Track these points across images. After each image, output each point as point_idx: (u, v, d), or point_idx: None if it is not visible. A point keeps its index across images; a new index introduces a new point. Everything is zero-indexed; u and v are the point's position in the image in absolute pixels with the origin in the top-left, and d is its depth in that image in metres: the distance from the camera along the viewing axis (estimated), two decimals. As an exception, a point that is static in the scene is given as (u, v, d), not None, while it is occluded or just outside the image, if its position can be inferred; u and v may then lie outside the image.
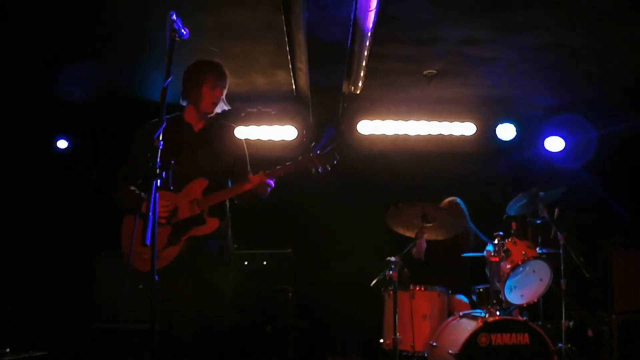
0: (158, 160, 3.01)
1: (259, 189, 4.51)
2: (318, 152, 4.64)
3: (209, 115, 4.63)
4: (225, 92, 4.66)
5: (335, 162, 4.66)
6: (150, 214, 2.79)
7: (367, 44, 5.70)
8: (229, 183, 4.71)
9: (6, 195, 7.55)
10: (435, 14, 5.52)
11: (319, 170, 4.64)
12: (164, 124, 3.08)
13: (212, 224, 4.46)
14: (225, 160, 4.67)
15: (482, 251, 5.98)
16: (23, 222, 7.64)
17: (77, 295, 7.29)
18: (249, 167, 4.80)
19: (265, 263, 7.21)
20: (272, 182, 4.54)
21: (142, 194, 4.44)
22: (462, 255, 6.50)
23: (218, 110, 4.66)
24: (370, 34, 5.45)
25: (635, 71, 6.86)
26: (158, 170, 2.95)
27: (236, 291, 6.96)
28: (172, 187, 3.29)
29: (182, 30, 3.38)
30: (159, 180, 2.96)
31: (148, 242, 2.89)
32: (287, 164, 4.62)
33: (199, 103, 4.56)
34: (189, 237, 4.42)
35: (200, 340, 4.39)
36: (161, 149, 3.70)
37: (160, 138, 3.05)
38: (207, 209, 4.46)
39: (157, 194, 2.88)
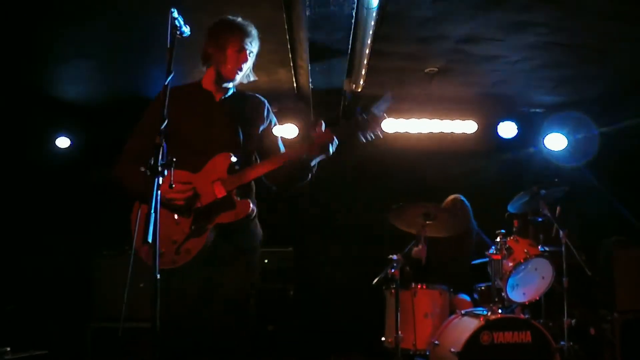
0: (160, 157, 2.86)
1: (316, 150, 3.69)
2: (375, 111, 3.79)
3: (232, 85, 3.95)
4: (253, 59, 3.99)
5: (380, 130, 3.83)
6: (152, 212, 2.69)
7: (369, 41, 5.69)
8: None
9: (7, 193, 7.54)
10: (437, 12, 5.51)
11: (368, 135, 3.83)
12: (167, 121, 3.00)
13: (243, 207, 3.67)
14: (252, 134, 3.90)
15: (484, 251, 5.98)
16: (23, 221, 7.64)
17: (78, 294, 7.29)
18: (281, 145, 4.05)
19: (266, 261, 7.20)
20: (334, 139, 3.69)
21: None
22: (466, 256, 6.52)
23: (244, 80, 4.01)
24: (372, 31, 5.44)
25: (636, 69, 6.84)
26: (160, 168, 2.83)
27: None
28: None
29: (184, 28, 3.34)
30: (160, 178, 2.83)
31: (150, 239, 2.67)
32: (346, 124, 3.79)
33: (220, 67, 3.83)
34: (216, 224, 3.64)
35: (212, 349, 3.71)
36: (175, 121, 3.38)
37: (163, 136, 2.93)
38: (236, 189, 3.68)
39: (159, 192, 2.78)
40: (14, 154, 7.70)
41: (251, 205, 3.70)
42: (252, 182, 3.91)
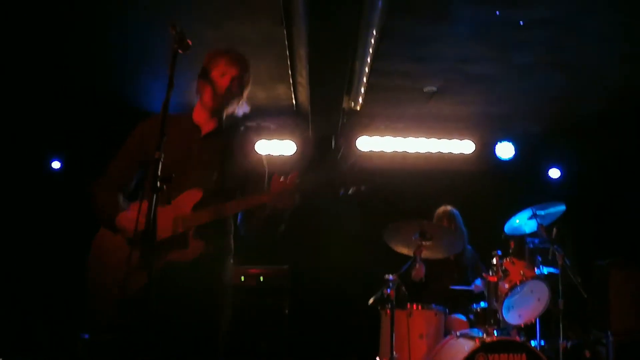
0: (158, 173, 2.82)
1: (278, 203, 3.47)
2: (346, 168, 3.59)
3: (223, 116, 3.73)
4: (241, 87, 3.70)
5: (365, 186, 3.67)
6: (147, 231, 2.64)
7: (368, 60, 5.70)
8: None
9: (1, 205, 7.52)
10: (436, 32, 5.53)
11: (349, 191, 3.62)
12: (164, 137, 2.96)
13: (194, 250, 3.41)
14: (233, 173, 3.66)
15: (479, 271, 5.97)
16: (16, 234, 7.59)
17: (70, 305, 7.24)
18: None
19: (261, 279, 7.16)
20: (291, 194, 3.47)
21: (126, 203, 3.61)
22: (463, 275, 6.51)
23: (238, 112, 3.77)
24: (372, 50, 5.45)
25: (633, 90, 6.86)
26: (159, 184, 2.78)
27: (232, 307, 6.98)
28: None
29: (185, 42, 3.32)
30: (155, 196, 2.77)
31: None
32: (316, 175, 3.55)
33: (203, 95, 3.64)
34: (166, 261, 3.35)
35: None
36: (163, 155, 3.12)
37: (162, 151, 2.90)
38: (194, 228, 3.42)
39: (156, 210, 2.75)
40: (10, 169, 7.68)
41: (204, 247, 3.42)
42: (231, 223, 3.72)
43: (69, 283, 7.28)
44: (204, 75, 3.63)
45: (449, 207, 6.95)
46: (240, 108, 3.78)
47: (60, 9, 5.21)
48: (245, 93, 3.77)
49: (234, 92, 3.66)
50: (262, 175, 3.80)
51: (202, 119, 3.71)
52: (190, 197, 3.46)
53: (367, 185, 3.67)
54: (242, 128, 3.85)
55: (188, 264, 3.39)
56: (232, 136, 3.77)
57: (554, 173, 8.53)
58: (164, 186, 2.78)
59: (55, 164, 8.19)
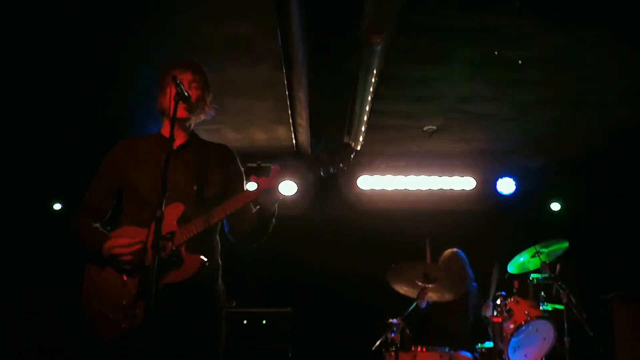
0: (160, 231, 2.78)
1: (263, 200, 3.42)
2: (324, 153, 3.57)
3: (192, 125, 3.66)
4: (201, 89, 3.57)
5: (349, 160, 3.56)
6: (149, 289, 2.61)
7: (368, 101, 5.72)
8: None
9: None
10: (435, 72, 5.55)
11: (331, 170, 3.55)
12: (167, 193, 2.93)
13: (192, 264, 3.27)
14: (212, 183, 3.55)
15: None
16: (16, 270, 7.59)
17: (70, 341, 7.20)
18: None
19: (264, 322, 7.11)
20: (278, 186, 3.45)
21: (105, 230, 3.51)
22: (466, 314, 6.47)
23: (208, 116, 3.70)
24: (371, 92, 5.47)
25: (633, 125, 6.88)
26: (161, 243, 2.72)
27: (235, 351, 6.93)
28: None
29: (185, 93, 3.31)
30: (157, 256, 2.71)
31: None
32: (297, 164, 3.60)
33: (161, 107, 3.55)
34: (164, 284, 3.13)
35: None
36: (129, 174, 3.37)
37: (163, 209, 2.85)
38: (185, 243, 3.28)
39: (156, 268, 2.69)
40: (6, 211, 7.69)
41: (202, 260, 3.28)
42: (217, 239, 3.60)
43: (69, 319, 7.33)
44: (163, 89, 3.50)
45: (455, 250, 6.93)
46: (207, 113, 3.68)
47: (67, 52, 5.24)
48: (208, 97, 3.64)
49: (196, 97, 3.54)
50: (240, 177, 3.71)
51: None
52: (172, 212, 3.28)
53: (345, 163, 3.53)
54: (215, 143, 3.78)
55: (187, 281, 3.25)
56: (207, 148, 3.69)
57: (555, 206, 8.51)
58: (165, 246, 2.75)
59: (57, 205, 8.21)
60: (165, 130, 3.56)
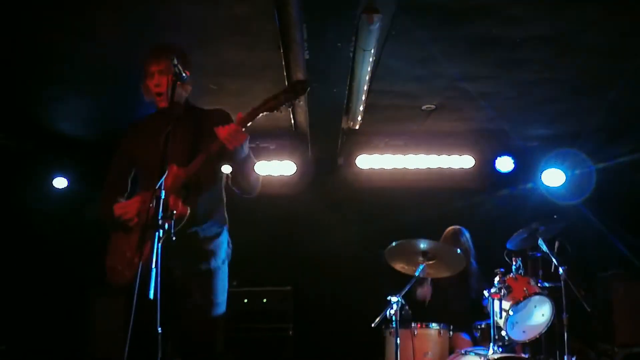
0: (160, 210, 2.88)
1: (229, 144, 3.65)
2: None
3: (182, 102, 3.94)
4: (177, 73, 3.55)
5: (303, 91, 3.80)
6: (152, 265, 2.69)
7: (367, 79, 5.72)
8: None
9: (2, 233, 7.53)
10: (434, 51, 5.54)
11: (286, 104, 3.80)
12: (166, 174, 3.00)
13: (181, 211, 3.56)
14: (207, 144, 3.75)
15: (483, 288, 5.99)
16: (18, 260, 7.59)
17: (73, 334, 7.23)
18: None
19: (265, 301, 7.17)
20: (242, 130, 3.68)
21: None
22: (467, 293, 6.51)
23: (188, 87, 3.96)
24: (369, 71, 5.47)
25: (631, 105, 6.88)
26: (160, 222, 2.83)
27: (236, 329, 6.99)
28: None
29: (183, 74, 3.37)
30: (161, 231, 2.83)
31: (151, 296, 2.70)
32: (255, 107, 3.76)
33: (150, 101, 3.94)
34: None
35: None
36: (140, 152, 3.86)
37: (162, 187, 2.93)
38: (185, 194, 3.66)
39: (159, 245, 2.78)
40: (12, 193, 7.69)
41: (188, 211, 3.59)
42: (223, 194, 4.07)
43: (72, 311, 7.37)
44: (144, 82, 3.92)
45: (458, 227, 6.95)
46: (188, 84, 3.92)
47: (61, 37, 5.24)
48: (187, 69, 3.66)
49: (172, 82, 3.61)
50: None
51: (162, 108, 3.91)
52: (170, 173, 3.54)
53: (301, 95, 3.79)
54: (212, 108, 4.07)
55: (190, 238, 3.68)
56: (204, 114, 4.01)
57: (554, 184, 8.51)
58: (166, 224, 2.82)
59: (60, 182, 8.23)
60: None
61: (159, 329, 2.79)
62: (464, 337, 6.20)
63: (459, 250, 6.06)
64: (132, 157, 3.99)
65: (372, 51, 5.01)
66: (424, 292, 6.21)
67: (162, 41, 4.92)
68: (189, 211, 3.60)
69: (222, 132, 3.59)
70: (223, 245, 3.98)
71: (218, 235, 3.94)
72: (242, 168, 3.89)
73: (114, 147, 4.14)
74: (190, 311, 3.77)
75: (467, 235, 6.97)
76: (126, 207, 3.73)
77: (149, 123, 4.03)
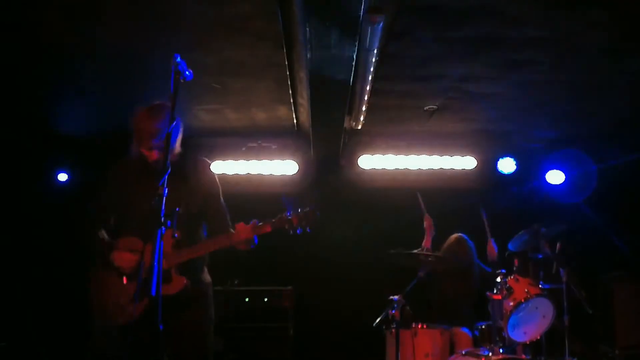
0: (162, 207, 2.90)
1: (241, 244, 4.11)
2: (296, 212, 4.22)
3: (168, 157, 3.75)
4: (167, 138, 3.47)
5: (314, 223, 4.28)
6: (155, 263, 2.72)
7: (369, 80, 5.72)
8: (203, 227, 4.30)
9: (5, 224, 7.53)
10: (436, 52, 5.55)
11: (297, 231, 4.22)
12: (169, 171, 3.02)
13: (177, 284, 3.93)
14: (194, 201, 4.12)
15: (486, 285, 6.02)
16: (20, 253, 7.60)
17: (74, 331, 7.23)
18: (223, 205, 4.35)
19: (266, 300, 7.17)
20: (256, 239, 4.15)
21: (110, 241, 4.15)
22: (470, 293, 6.54)
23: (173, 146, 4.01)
24: (372, 71, 5.47)
25: (633, 105, 6.88)
26: (163, 219, 2.86)
27: (236, 328, 7.00)
28: (175, 235, 3.23)
29: (186, 72, 3.36)
30: (163, 229, 2.86)
31: (154, 292, 2.78)
32: (268, 222, 4.15)
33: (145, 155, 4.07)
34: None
35: None
36: (126, 191, 4.04)
37: (165, 185, 2.95)
38: (176, 265, 3.96)
39: (162, 242, 2.81)
40: (15, 187, 7.69)
41: (185, 283, 3.95)
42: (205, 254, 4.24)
43: (72, 307, 7.35)
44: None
45: (460, 235, 6.97)
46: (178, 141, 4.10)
47: (63, 36, 5.25)
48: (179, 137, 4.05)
49: (162, 139, 3.74)
50: (217, 195, 4.32)
51: (152, 161, 4.06)
52: (167, 237, 3.71)
53: (311, 226, 4.28)
54: (189, 156, 4.25)
55: (171, 297, 3.76)
56: (183, 167, 4.13)
57: (555, 186, 8.52)
58: (168, 221, 2.84)
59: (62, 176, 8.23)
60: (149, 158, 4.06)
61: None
62: (465, 331, 6.19)
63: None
64: (120, 201, 4.14)
65: (375, 51, 5.01)
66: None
67: (165, 39, 4.98)
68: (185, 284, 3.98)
69: (243, 234, 4.06)
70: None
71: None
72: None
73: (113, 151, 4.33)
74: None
75: (469, 241, 6.98)
76: (126, 260, 3.96)
77: (137, 166, 4.12)
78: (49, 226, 7.73)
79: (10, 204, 7.59)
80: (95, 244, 4.12)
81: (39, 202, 7.82)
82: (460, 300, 6.67)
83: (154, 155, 4.00)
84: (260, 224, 4.10)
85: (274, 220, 4.12)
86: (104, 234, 4.16)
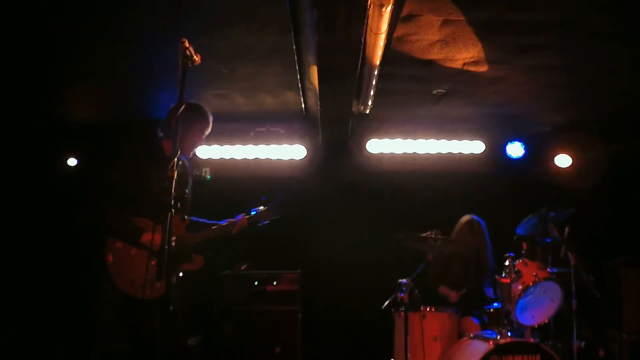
0: (172, 191, 2.95)
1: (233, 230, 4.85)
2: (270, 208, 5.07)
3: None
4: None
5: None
6: (166, 245, 2.76)
7: (377, 64, 5.71)
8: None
9: (12, 214, 7.56)
10: (445, 36, 5.53)
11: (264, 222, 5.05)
12: (179, 153, 3.05)
13: (198, 261, 4.63)
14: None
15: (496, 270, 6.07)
16: (28, 242, 7.64)
17: (83, 316, 7.28)
18: None
19: (274, 283, 7.20)
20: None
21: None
22: (481, 278, 6.58)
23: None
24: (380, 55, 5.46)
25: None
26: (173, 202, 2.90)
27: (245, 312, 7.04)
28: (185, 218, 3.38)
29: (194, 57, 3.37)
30: (173, 211, 2.91)
31: (165, 275, 2.86)
32: (250, 215, 4.96)
33: (181, 144, 4.13)
34: (182, 269, 4.56)
35: None
36: (141, 176, 4.23)
37: (175, 168, 2.99)
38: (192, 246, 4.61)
39: (172, 225, 2.86)
40: (22, 175, 7.72)
41: (203, 260, 4.64)
42: None
43: (81, 293, 7.40)
44: (186, 129, 4.37)
45: (470, 217, 6.96)
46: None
47: (73, 23, 5.25)
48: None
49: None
50: None
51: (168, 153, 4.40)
52: (178, 221, 4.22)
53: (291, 214, 5.20)
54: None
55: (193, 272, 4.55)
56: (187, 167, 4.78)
57: (564, 170, 8.51)
58: (179, 204, 2.88)
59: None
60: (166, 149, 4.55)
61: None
62: (473, 320, 6.22)
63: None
64: (132, 185, 4.38)
65: (383, 35, 5.00)
66: (452, 296, 6.43)
67: (173, 24, 4.99)
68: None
69: (239, 224, 4.88)
70: None
71: None
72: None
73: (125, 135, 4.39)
74: None
75: (482, 222, 6.98)
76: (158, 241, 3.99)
77: (151, 156, 4.50)
78: (58, 212, 7.77)
79: (21, 191, 7.64)
80: (122, 225, 4.35)
81: (49, 188, 7.87)
82: (470, 287, 6.69)
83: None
84: (248, 217, 4.94)
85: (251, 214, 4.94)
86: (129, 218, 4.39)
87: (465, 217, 7.01)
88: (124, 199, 4.35)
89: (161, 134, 4.57)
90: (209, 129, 4.72)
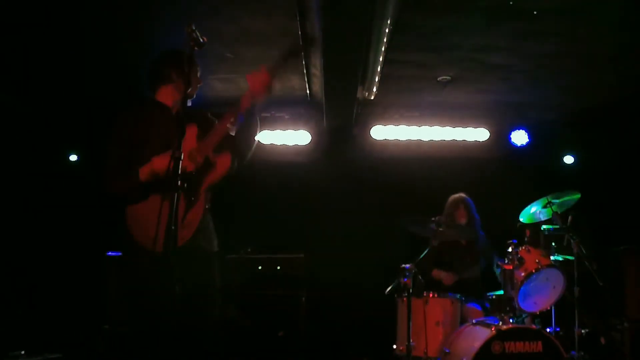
0: (179, 171, 2.93)
1: (261, 96, 4.07)
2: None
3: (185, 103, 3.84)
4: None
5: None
6: (172, 226, 2.76)
7: (382, 51, 5.71)
8: None
9: (19, 200, 7.59)
10: (451, 22, 5.53)
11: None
12: (184, 135, 3.05)
13: (224, 161, 3.89)
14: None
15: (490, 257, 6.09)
16: (36, 226, 7.67)
17: (91, 296, 7.31)
18: None
19: (278, 268, 7.21)
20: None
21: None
22: (476, 262, 6.59)
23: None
24: (385, 41, 5.47)
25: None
26: (179, 182, 2.89)
27: (249, 295, 7.06)
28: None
29: (201, 40, 3.38)
30: (179, 190, 2.89)
31: (170, 246, 2.81)
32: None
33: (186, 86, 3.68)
34: (208, 186, 3.86)
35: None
36: (143, 132, 3.84)
37: (181, 149, 2.98)
38: (211, 152, 3.82)
39: (178, 205, 2.85)
40: (27, 162, 7.75)
41: (231, 155, 3.86)
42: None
43: (90, 274, 7.44)
44: (185, 73, 3.67)
45: (462, 195, 6.97)
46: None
47: (83, 11, 5.26)
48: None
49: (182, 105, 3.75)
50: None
51: (170, 101, 4.01)
52: (188, 134, 3.65)
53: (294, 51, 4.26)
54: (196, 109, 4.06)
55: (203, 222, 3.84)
56: (196, 113, 3.95)
57: (568, 159, 8.53)
58: (185, 184, 2.87)
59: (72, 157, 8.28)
60: (163, 97, 4.04)
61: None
62: (475, 307, 6.25)
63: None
64: (137, 147, 3.89)
65: (389, 21, 5.00)
66: (448, 277, 6.42)
67: (179, 8, 4.98)
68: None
69: (257, 79, 3.98)
70: None
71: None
72: (250, 129, 4.02)
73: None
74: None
75: (471, 203, 6.98)
76: (163, 161, 3.61)
77: (150, 108, 4.05)
78: (61, 198, 7.81)
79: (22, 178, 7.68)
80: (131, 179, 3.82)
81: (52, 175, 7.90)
82: (468, 270, 6.72)
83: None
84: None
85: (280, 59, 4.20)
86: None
87: (454, 196, 7.01)
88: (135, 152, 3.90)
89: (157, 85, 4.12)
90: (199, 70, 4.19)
